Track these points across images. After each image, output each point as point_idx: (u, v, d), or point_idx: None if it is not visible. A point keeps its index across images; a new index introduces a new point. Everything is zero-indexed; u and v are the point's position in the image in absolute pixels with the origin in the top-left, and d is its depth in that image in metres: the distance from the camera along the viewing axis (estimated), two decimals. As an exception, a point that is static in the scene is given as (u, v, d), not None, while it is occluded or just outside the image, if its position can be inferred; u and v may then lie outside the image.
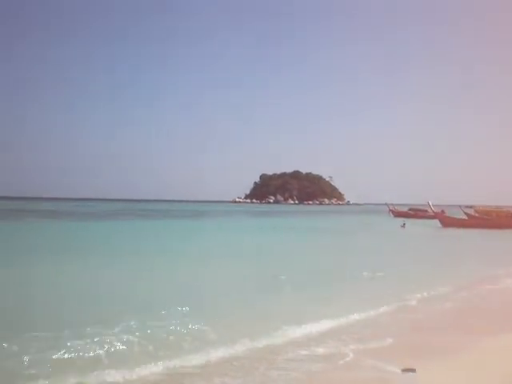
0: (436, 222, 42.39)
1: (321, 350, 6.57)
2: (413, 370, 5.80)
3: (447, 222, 41.22)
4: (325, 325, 7.77)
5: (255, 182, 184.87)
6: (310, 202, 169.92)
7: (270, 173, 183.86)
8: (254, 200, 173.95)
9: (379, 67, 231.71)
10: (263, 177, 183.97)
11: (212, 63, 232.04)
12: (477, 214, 42.28)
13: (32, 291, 10.30)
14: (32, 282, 11.38)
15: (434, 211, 43.81)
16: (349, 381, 5.64)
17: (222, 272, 13.35)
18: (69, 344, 6.21)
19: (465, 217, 42.33)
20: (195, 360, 5.99)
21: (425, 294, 10.57)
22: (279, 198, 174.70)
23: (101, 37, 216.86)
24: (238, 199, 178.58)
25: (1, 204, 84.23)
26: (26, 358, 5.72)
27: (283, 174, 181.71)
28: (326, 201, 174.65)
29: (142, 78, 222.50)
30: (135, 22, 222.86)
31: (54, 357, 5.88)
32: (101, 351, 6.10)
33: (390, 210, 64.03)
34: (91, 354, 6.00)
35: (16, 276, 12.03)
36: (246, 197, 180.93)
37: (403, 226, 39.07)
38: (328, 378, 5.70)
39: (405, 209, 64.55)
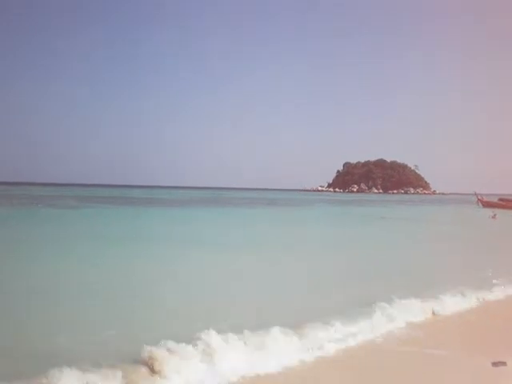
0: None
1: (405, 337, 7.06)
2: (504, 364, 5.76)
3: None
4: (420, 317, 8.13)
5: (338, 171, 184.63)
6: (395, 192, 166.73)
7: (354, 161, 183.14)
8: (337, 189, 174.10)
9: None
10: (346, 165, 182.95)
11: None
12: None
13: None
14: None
15: (525, 201, 43.65)
16: (437, 374, 5.66)
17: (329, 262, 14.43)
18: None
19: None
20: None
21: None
22: (363, 186, 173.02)
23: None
24: (320, 188, 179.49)
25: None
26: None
27: (367, 163, 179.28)
28: (412, 190, 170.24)
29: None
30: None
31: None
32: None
33: (479, 200, 62.65)
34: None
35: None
36: (329, 185, 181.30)
37: (493, 216, 38.15)
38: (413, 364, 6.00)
39: (494, 199, 63.39)
